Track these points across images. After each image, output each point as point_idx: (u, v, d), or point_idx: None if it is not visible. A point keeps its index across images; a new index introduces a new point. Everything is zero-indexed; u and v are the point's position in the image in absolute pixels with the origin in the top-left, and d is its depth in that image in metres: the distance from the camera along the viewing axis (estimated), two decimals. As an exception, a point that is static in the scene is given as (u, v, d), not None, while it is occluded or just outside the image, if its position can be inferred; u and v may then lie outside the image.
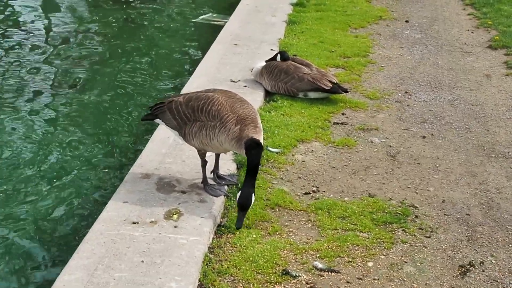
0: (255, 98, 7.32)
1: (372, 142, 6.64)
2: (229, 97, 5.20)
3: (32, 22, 11.53)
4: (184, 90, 7.29)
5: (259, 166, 4.98)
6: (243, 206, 4.90)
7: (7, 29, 11.18)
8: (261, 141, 4.99)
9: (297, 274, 4.46)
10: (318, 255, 4.72)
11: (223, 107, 5.06)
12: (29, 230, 5.63)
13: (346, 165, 6.13)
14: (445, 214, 5.36)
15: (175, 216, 4.90)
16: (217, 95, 5.17)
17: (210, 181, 5.41)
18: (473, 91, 8.11)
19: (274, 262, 4.58)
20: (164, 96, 7.98)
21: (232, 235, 4.89)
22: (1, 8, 12.55)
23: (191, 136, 5.19)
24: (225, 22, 10.61)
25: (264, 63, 7.81)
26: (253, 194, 4.89)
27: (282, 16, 10.79)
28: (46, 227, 5.68)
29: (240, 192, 4.91)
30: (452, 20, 11.30)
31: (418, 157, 6.34)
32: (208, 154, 5.39)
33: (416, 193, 5.69)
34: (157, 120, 5.50)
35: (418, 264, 4.69)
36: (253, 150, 4.88)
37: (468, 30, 10.70)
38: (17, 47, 10.26)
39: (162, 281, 4.19)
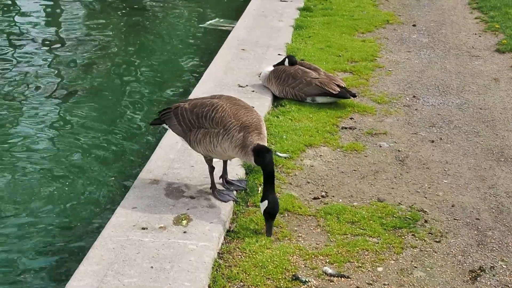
0: (263, 103, 7.32)
1: (380, 146, 6.62)
2: (234, 104, 5.19)
3: (38, 29, 11.53)
4: (191, 96, 7.29)
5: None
6: (273, 214, 4.86)
7: (15, 36, 11.20)
8: None
9: (307, 280, 4.45)
10: (327, 260, 4.70)
11: (226, 114, 5.06)
12: (37, 236, 5.63)
13: (354, 170, 6.11)
14: (454, 219, 5.34)
15: (184, 222, 4.90)
16: (222, 102, 5.17)
17: (219, 187, 5.41)
18: (481, 95, 8.09)
19: (284, 267, 4.57)
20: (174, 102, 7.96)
21: (241, 240, 4.89)
22: (8, 15, 12.59)
23: (196, 143, 5.20)
24: (232, 27, 10.61)
25: (272, 68, 7.80)
26: (278, 200, 4.87)
27: (289, 21, 10.78)
28: (55, 232, 5.68)
29: (265, 201, 4.83)
30: (460, 24, 11.28)
31: (427, 162, 6.32)
32: (216, 159, 5.39)
33: (425, 197, 5.67)
34: (165, 125, 5.52)
35: (428, 269, 4.67)
36: (265, 156, 4.87)
37: (475, 34, 10.68)
38: (23, 53, 10.26)
39: (171, 287, 4.18)
